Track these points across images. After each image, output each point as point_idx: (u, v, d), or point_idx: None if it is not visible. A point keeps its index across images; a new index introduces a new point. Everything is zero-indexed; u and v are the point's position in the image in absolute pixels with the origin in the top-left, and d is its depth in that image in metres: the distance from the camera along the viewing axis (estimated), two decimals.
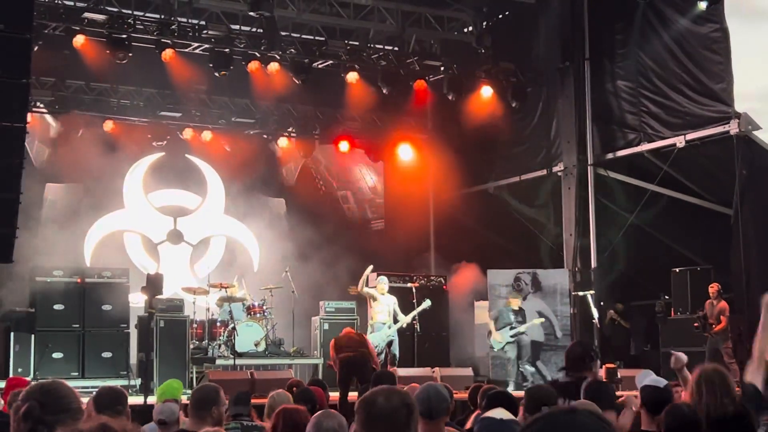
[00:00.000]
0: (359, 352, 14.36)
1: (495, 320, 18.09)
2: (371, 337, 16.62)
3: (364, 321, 19.74)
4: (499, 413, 4.71)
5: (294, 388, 9.89)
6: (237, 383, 14.97)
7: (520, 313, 18.16)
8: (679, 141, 18.02)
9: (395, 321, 17.04)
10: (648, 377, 6.47)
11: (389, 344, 16.99)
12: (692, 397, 5.62)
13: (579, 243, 19.77)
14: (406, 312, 17.37)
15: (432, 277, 20.43)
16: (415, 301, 18.17)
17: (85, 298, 17.37)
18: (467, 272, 19.82)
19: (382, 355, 16.95)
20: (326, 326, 19.54)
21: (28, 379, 12.89)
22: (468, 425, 7.96)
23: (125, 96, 21.00)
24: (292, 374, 16.53)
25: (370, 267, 17.13)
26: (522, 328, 17.93)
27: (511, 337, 17.85)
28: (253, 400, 10.86)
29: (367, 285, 16.98)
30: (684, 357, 6.94)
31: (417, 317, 17.74)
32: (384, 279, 17.30)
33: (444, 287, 19.98)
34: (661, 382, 6.45)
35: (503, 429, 4.46)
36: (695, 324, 16.97)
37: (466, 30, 21.78)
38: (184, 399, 9.10)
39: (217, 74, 18.72)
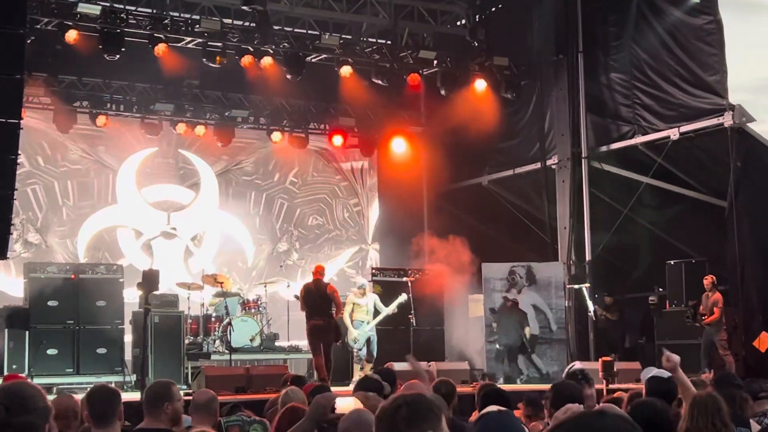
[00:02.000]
0: (326, 321, 15.86)
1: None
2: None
3: None
4: (495, 408, 4.70)
5: (288, 383, 9.85)
6: (233, 378, 14.99)
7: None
8: (673, 133, 18.02)
9: (375, 317, 17.39)
10: (652, 372, 6.49)
11: (368, 341, 17.24)
12: (685, 421, 5.73)
13: (573, 236, 19.77)
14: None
15: (427, 271, 20.39)
16: (411, 295, 18.23)
17: (79, 294, 17.31)
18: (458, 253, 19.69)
19: (363, 351, 17.24)
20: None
21: (24, 375, 12.85)
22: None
23: (118, 91, 20.93)
24: (288, 369, 16.52)
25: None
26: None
27: None
28: (250, 396, 10.89)
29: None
30: (676, 357, 6.86)
31: (413, 312, 18.02)
32: (364, 282, 18.18)
33: (439, 281, 19.90)
34: (665, 373, 6.46)
35: (502, 420, 4.43)
36: (687, 315, 17.03)
37: (459, 23, 21.76)
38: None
39: (212, 64, 18.64)
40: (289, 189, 23.48)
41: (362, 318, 17.28)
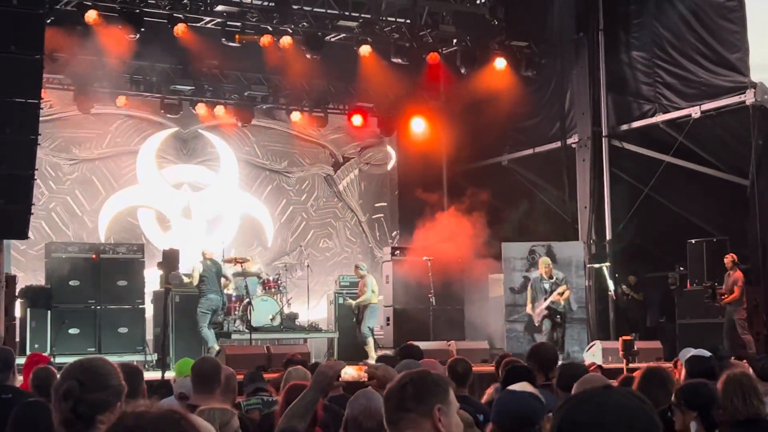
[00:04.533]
0: None
1: (530, 292, 17.89)
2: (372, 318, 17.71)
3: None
4: (521, 386, 4.67)
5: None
6: (253, 358, 15.05)
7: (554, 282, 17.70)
8: (695, 111, 17.91)
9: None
10: (690, 352, 6.47)
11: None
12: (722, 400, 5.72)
13: (594, 215, 19.71)
14: None
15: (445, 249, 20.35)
16: (431, 275, 18.26)
17: (100, 274, 17.41)
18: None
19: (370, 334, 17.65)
20: (341, 300, 19.58)
21: (46, 354, 12.92)
22: (484, 399, 7.95)
23: (138, 71, 20.94)
24: (308, 348, 16.59)
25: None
26: (552, 297, 17.53)
27: (546, 309, 17.54)
28: (270, 375, 10.92)
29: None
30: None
31: (433, 291, 18.13)
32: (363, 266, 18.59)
33: (458, 261, 19.89)
34: (705, 353, 6.46)
35: (521, 401, 4.42)
36: (707, 296, 16.96)
37: (478, 1, 21.62)
38: None
39: (231, 43, 18.61)
40: (308, 210, 23.79)
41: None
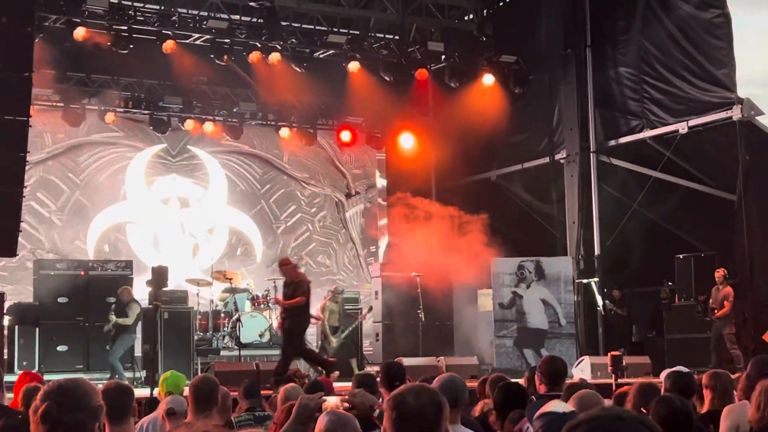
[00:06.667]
0: None
1: None
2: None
3: None
4: (561, 406, 4.64)
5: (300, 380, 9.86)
6: (242, 374, 14.95)
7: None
8: (682, 127, 18.00)
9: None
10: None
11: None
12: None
13: (582, 230, 19.76)
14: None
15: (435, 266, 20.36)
16: (419, 290, 18.25)
17: (89, 290, 17.36)
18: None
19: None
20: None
21: (37, 372, 12.85)
22: (476, 413, 7.96)
23: (127, 88, 20.97)
24: (297, 365, 16.54)
25: None
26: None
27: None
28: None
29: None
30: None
31: (422, 307, 18.08)
32: (338, 287, 18.89)
33: (447, 276, 19.90)
34: (683, 369, 6.45)
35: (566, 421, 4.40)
36: (698, 310, 16.99)
37: (467, 18, 21.72)
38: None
39: (220, 62, 18.65)
40: (315, 223, 24.03)
41: (336, 324, 17.73)
